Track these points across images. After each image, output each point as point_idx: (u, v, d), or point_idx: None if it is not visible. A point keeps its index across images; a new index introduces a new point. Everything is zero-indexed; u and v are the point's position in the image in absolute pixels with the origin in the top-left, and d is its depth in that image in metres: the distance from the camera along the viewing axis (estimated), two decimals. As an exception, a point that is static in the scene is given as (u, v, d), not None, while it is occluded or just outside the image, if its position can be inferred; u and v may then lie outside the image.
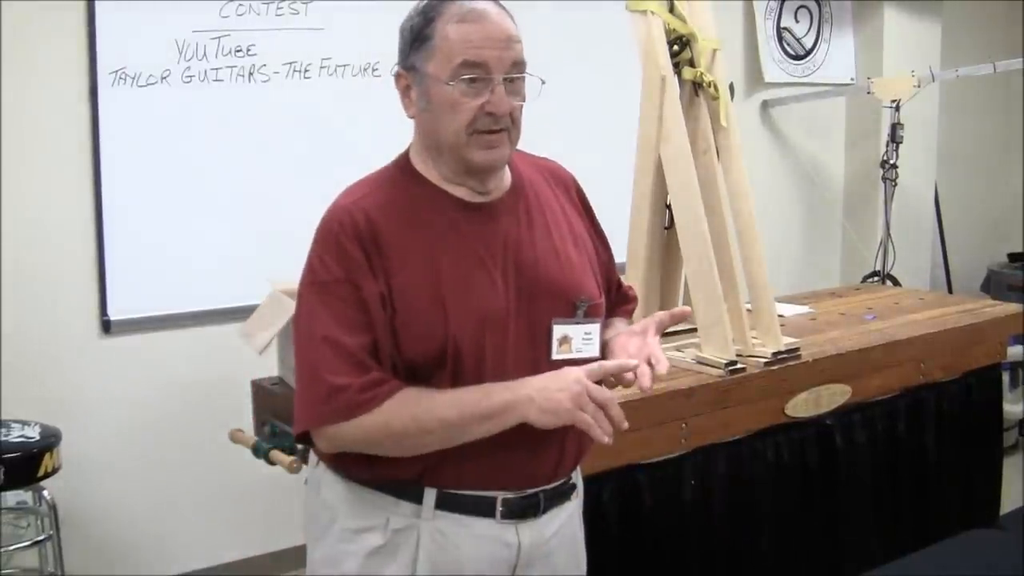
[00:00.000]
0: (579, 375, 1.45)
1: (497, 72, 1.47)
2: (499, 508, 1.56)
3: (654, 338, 1.57)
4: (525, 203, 1.60)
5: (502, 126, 1.50)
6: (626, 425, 1.45)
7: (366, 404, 1.45)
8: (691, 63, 2.52)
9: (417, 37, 1.50)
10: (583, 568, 1.75)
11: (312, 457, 1.66)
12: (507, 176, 1.61)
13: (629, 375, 1.49)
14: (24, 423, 2.72)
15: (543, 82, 1.52)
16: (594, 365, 1.48)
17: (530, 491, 1.58)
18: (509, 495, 1.56)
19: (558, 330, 1.56)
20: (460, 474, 1.52)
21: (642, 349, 1.54)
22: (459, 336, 1.48)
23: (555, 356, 1.55)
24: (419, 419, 1.46)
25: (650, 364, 1.49)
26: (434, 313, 1.48)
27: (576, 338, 1.56)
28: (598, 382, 1.47)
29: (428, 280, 1.49)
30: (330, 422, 1.48)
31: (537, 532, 1.60)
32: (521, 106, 1.52)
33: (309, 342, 1.50)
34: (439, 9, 1.48)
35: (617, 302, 1.80)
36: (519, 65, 1.50)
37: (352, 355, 1.46)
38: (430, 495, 1.53)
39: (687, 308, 1.74)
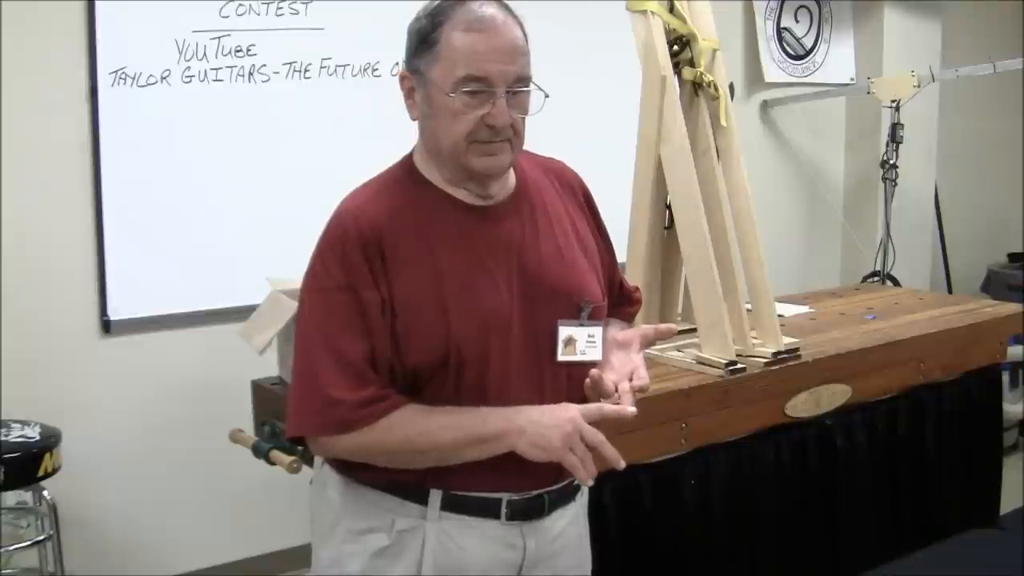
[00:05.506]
0: (574, 415, 1.44)
1: (500, 85, 1.45)
2: (504, 509, 1.55)
3: (638, 354, 1.58)
4: (529, 205, 1.60)
5: (502, 137, 1.48)
6: (622, 464, 1.44)
7: (360, 422, 1.45)
8: (691, 63, 2.52)
9: (423, 40, 1.48)
10: (588, 569, 1.75)
11: (317, 457, 1.65)
12: (511, 178, 1.60)
13: (609, 387, 1.49)
14: (24, 423, 2.72)
15: (547, 95, 1.51)
16: (592, 407, 1.46)
17: (534, 492, 1.58)
18: (514, 496, 1.56)
19: (563, 331, 1.55)
20: (465, 476, 1.51)
21: (624, 364, 1.55)
22: (461, 340, 1.47)
23: (560, 357, 1.55)
24: (413, 440, 1.46)
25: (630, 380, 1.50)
26: (436, 318, 1.48)
27: (581, 340, 1.56)
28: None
29: (431, 284, 1.48)
30: (322, 434, 1.49)
31: (542, 534, 1.60)
32: (523, 118, 1.50)
33: (309, 348, 1.49)
34: (447, 13, 1.46)
35: (619, 303, 1.79)
36: (523, 79, 1.48)
37: (351, 365, 1.45)
38: (435, 496, 1.53)
39: (673, 325, 1.75)
